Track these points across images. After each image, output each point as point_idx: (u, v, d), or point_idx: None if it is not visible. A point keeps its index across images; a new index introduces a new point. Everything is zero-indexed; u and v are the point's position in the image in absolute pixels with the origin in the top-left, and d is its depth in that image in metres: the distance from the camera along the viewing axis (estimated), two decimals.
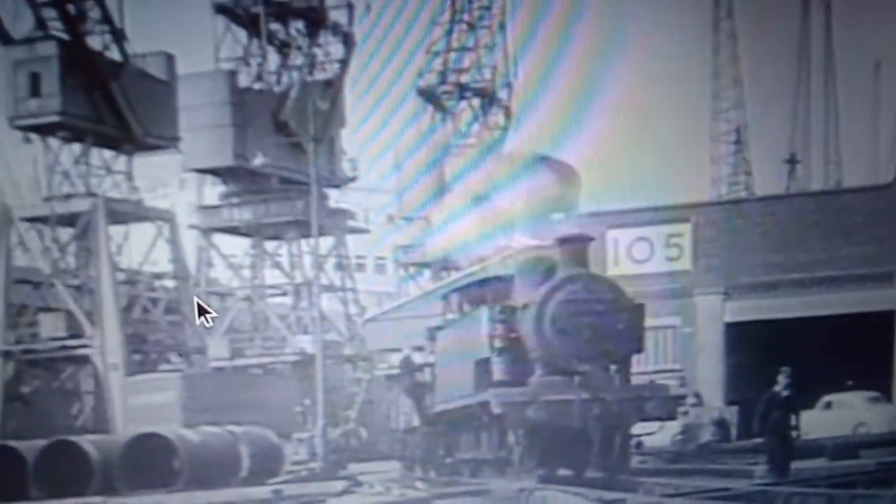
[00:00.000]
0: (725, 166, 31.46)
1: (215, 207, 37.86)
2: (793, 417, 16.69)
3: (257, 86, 39.45)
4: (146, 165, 35.40)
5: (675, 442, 23.91)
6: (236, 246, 37.70)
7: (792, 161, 29.08)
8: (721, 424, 25.08)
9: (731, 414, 25.34)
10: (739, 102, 31.19)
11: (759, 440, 19.49)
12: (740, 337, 26.13)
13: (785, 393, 16.46)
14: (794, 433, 16.77)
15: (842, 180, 28.69)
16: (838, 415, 23.87)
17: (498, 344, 17.80)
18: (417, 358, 22.96)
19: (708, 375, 25.98)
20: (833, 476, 17.08)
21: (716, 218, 27.43)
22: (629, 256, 27.10)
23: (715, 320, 26.52)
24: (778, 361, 17.82)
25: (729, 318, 26.54)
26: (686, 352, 26.27)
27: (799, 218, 26.47)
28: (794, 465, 17.72)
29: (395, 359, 25.41)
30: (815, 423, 22.38)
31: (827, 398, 24.35)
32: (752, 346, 25.05)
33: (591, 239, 18.53)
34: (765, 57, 28.12)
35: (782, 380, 16.58)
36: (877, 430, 22.34)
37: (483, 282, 20.28)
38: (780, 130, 28.88)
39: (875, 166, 27.18)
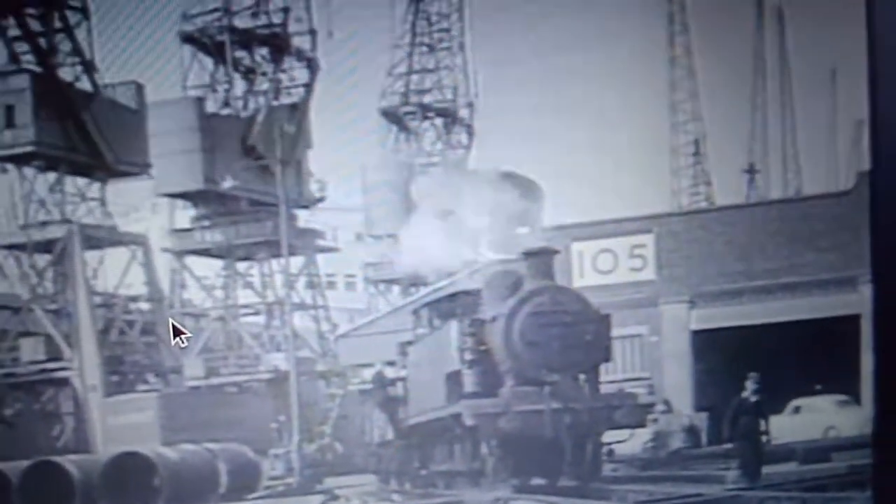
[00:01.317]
0: (685, 178, 31.23)
1: (187, 230, 37.37)
2: (762, 422, 16.42)
3: (224, 111, 38.98)
4: (119, 192, 34.83)
5: (647, 449, 23.61)
6: (209, 267, 37.21)
7: (751, 171, 28.88)
8: (691, 431, 24.77)
9: (701, 420, 25.02)
10: (697, 115, 30.98)
11: (729, 445, 19.21)
12: (707, 344, 25.86)
13: (753, 398, 16.20)
14: (764, 438, 16.50)
15: (801, 188, 28.50)
16: (808, 419, 23.61)
17: (468, 356, 17.56)
18: (389, 372, 22.65)
19: (676, 383, 25.69)
20: (805, 480, 16.79)
21: (678, 228, 27.18)
22: (594, 268, 26.84)
23: (681, 328, 26.25)
24: (745, 367, 17.54)
25: (695, 326, 26.28)
26: (654, 360, 25.99)
27: (760, 226, 26.25)
28: (766, 469, 17.43)
29: (368, 374, 25.09)
30: (784, 427, 22.12)
31: (795, 402, 24.08)
32: (720, 353, 24.83)
33: (557, 252, 18.32)
34: (720, 69, 27.92)
35: (750, 385, 16.32)
36: (847, 433, 22.07)
37: (452, 296, 20.01)
38: (739, 141, 28.66)
39: (834, 173, 26.96)
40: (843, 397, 23.97)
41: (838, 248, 24.99)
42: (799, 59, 26.75)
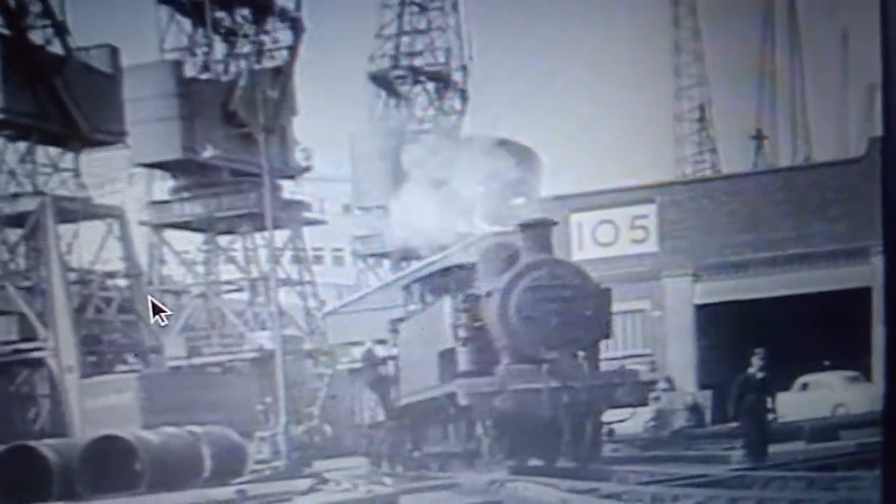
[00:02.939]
0: (690, 145, 31.45)
1: (166, 202, 37.57)
2: (768, 400, 16.69)
3: (204, 76, 39.11)
4: (93, 162, 34.97)
5: (648, 428, 23.95)
6: (189, 241, 37.45)
7: (758, 137, 29.07)
8: (694, 409, 25.11)
9: (705, 398, 25.36)
10: (702, 79, 31.16)
11: (734, 424, 19.54)
12: (711, 319, 26.14)
13: (760, 375, 16.47)
14: (770, 416, 16.78)
15: (811, 155, 28.73)
16: (816, 396, 23.94)
17: (462, 334, 17.80)
18: (380, 350, 22.93)
19: (679, 359, 26.00)
20: (812, 459, 17.10)
21: (681, 198, 27.38)
22: (594, 240, 27.10)
23: (684, 303, 26.52)
24: (751, 343, 17.81)
25: (699, 300, 26.55)
26: (656, 336, 26.29)
27: (767, 195, 26.45)
28: (772, 448, 17.71)
29: (358, 352, 25.35)
30: (791, 405, 22.42)
31: (803, 379, 24.42)
32: (724, 328, 25.09)
33: (555, 223, 18.56)
34: (727, 30, 28.15)
35: (756, 361, 16.59)
36: (856, 411, 22.33)
37: (445, 270, 20.26)
38: (746, 106, 28.89)
39: (845, 140, 27.21)
40: (852, 373, 24.28)
41: (849, 218, 25.23)
42: (809, 20, 26.97)
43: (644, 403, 18.44)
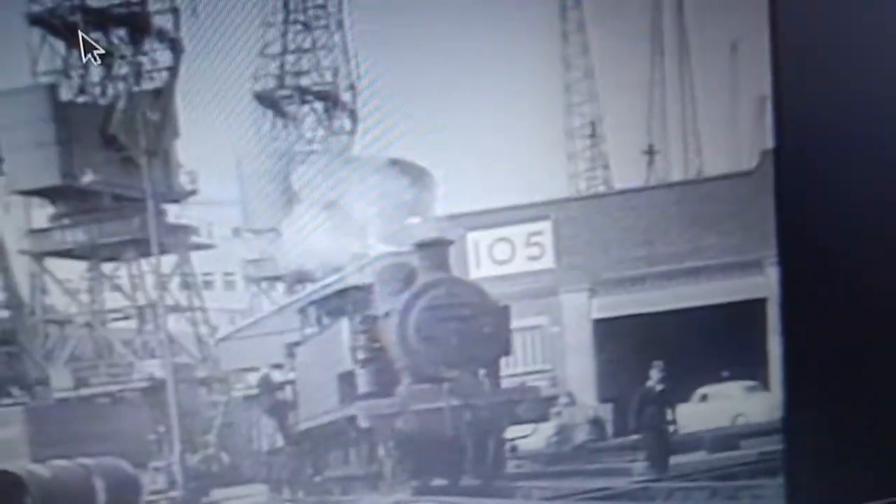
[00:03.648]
0: (582, 161, 32.08)
1: (46, 230, 37.20)
2: (668, 412, 17.40)
3: (81, 99, 38.81)
4: None
5: (551, 444, 24.54)
6: (71, 270, 37.20)
7: (650, 152, 29.77)
8: (596, 423, 25.72)
9: (606, 412, 25.98)
10: (592, 94, 31.86)
11: (635, 437, 20.22)
12: (609, 333, 26.75)
13: (659, 387, 17.21)
14: (671, 428, 17.47)
15: (703, 169, 29.52)
16: (715, 406, 24.78)
17: (361, 355, 18.35)
18: (276, 376, 23.24)
19: (579, 374, 26.58)
20: (714, 469, 17.88)
21: (576, 214, 28.01)
22: (490, 258, 27.61)
23: (582, 318, 27.14)
24: (650, 356, 18.53)
25: (596, 315, 27.14)
26: (555, 351, 26.85)
27: (661, 209, 27.16)
28: (674, 459, 18.41)
29: (253, 378, 25.61)
30: (692, 416, 23.23)
31: (702, 390, 25.21)
32: (623, 342, 25.76)
33: (451, 242, 19.18)
34: (615, 44, 28.81)
35: (655, 374, 17.34)
36: (755, 420, 23.20)
37: (341, 292, 20.76)
38: (636, 121, 29.55)
39: (737, 152, 28.02)
40: (751, 383, 25.13)
41: (743, 230, 26.04)
42: (698, 32, 27.79)
43: (546, 419, 19.14)
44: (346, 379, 18.79)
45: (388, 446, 17.69)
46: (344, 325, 19.05)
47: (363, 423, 17.74)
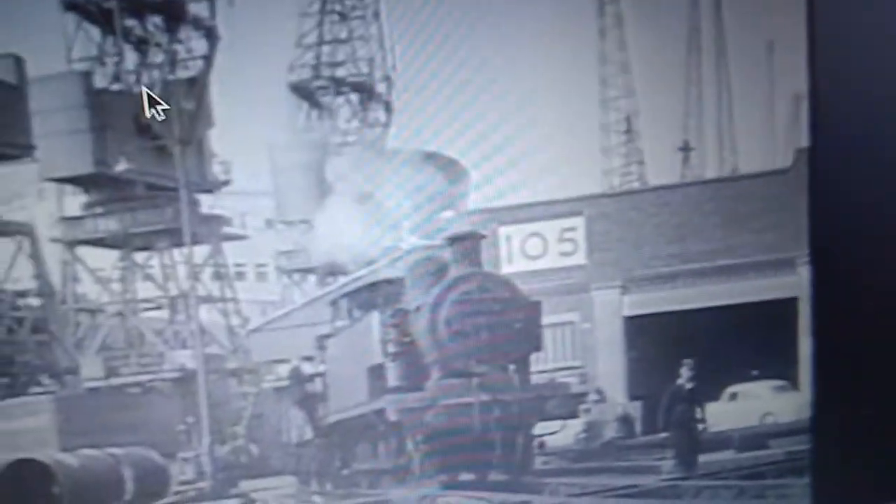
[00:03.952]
0: (617, 157, 32.27)
1: (78, 218, 37.67)
2: (698, 410, 17.61)
3: (115, 87, 39.20)
4: (0, 177, 35.12)
5: (579, 440, 24.81)
6: (104, 259, 37.63)
7: (685, 148, 29.92)
8: (625, 420, 25.99)
9: (635, 409, 26.23)
10: (629, 90, 32.04)
11: (664, 435, 20.44)
12: (640, 330, 26.98)
13: (689, 385, 17.42)
14: (700, 426, 17.68)
15: (738, 166, 29.65)
16: (744, 405, 25.02)
17: (392, 349, 18.59)
18: (307, 368, 23.55)
19: (609, 371, 26.81)
20: (742, 468, 18.11)
21: (609, 210, 28.15)
22: (522, 253, 27.84)
23: (613, 315, 27.35)
24: (680, 354, 18.74)
25: (628, 312, 27.36)
26: (586, 348, 27.06)
27: (695, 207, 27.31)
28: (702, 458, 18.63)
29: (283, 370, 25.93)
30: (720, 414, 23.47)
31: (732, 389, 25.46)
32: (653, 340, 25.99)
33: (484, 236, 19.41)
34: (653, 40, 28.98)
35: (685, 372, 17.54)
36: (784, 420, 23.42)
37: (373, 285, 21.02)
38: (672, 117, 29.72)
39: (772, 151, 28.15)
40: (780, 382, 25.35)
41: (776, 229, 26.18)
42: (735, 30, 27.95)
43: (574, 416, 19.34)
44: (376, 372, 19.07)
45: (417, 440, 17.98)
46: (375, 318, 19.31)
47: (392, 417, 18.01)
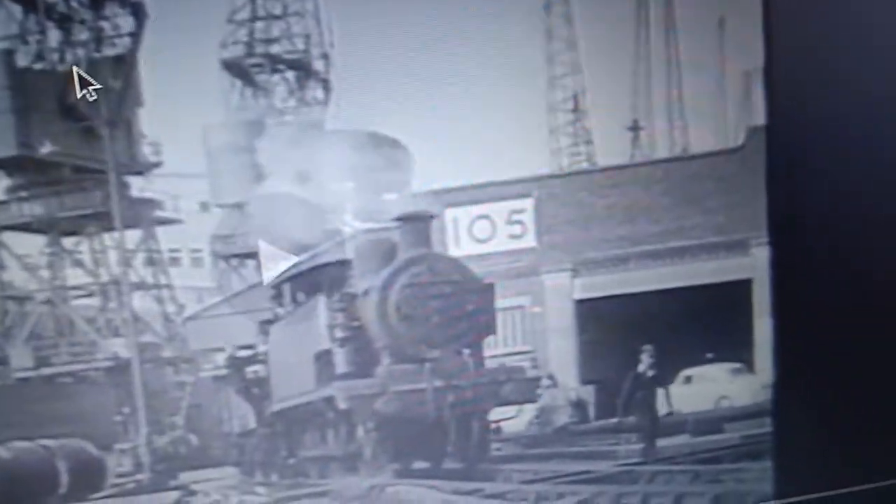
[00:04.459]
0: (564, 136, 32.31)
1: (2, 203, 37.22)
2: (661, 394, 17.77)
3: (38, 66, 38.78)
4: None
5: (532, 426, 24.93)
6: (30, 244, 37.23)
7: (635, 128, 29.98)
8: (578, 405, 26.09)
9: (588, 394, 26.39)
10: (576, 67, 32.09)
11: (616, 420, 20.57)
12: (592, 314, 27.08)
13: (650, 372, 17.56)
14: (664, 411, 17.83)
15: (688, 146, 29.80)
16: (699, 389, 25.15)
17: (339, 334, 18.57)
18: (245, 354, 23.39)
19: (560, 355, 26.85)
20: (697, 452, 18.32)
21: (558, 191, 28.26)
22: (470, 236, 27.82)
23: (564, 298, 27.43)
24: (633, 337, 18.87)
25: (578, 296, 27.49)
26: (537, 332, 27.11)
27: (645, 187, 27.45)
28: (657, 442, 18.78)
29: (221, 358, 25.80)
30: (675, 398, 23.65)
31: (686, 372, 25.52)
32: (605, 323, 26.09)
33: (433, 216, 19.40)
34: (600, 15, 29.04)
35: (646, 359, 17.66)
36: (740, 403, 23.69)
37: (318, 268, 20.94)
38: (621, 96, 29.80)
39: (723, 130, 28.36)
40: (735, 365, 25.54)
41: (728, 209, 26.40)
42: (685, 6, 28.08)
43: (532, 400, 19.45)
44: (323, 358, 19.04)
45: (368, 428, 17.98)
46: (321, 302, 19.28)
47: (342, 405, 18.00)
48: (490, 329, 18.85)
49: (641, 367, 18.28)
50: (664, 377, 18.87)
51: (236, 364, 23.90)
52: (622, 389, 18.59)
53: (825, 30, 16.10)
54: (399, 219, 19.20)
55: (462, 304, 18.40)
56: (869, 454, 15.99)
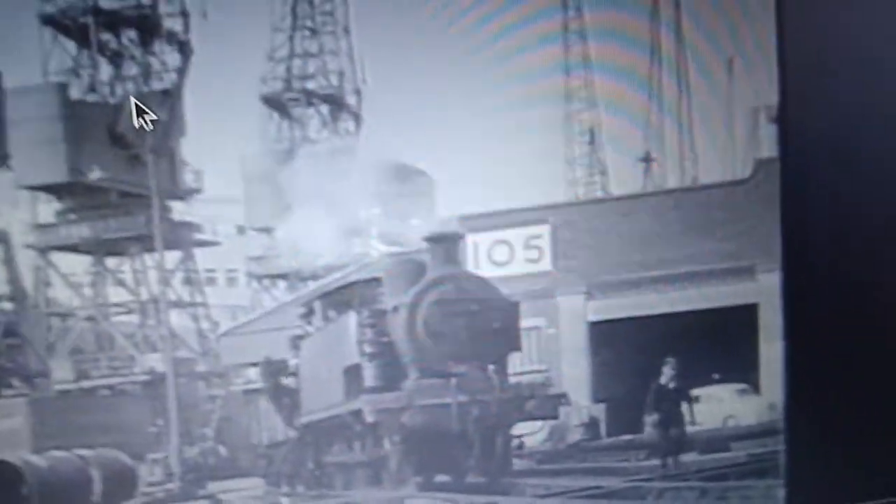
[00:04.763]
0: (580, 167, 31.63)
1: (52, 225, 36.62)
2: (686, 408, 16.86)
3: (90, 98, 38.20)
4: None
5: (545, 442, 24.12)
6: (76, 264, 36.52)
7: (647, 159, 29.41)
8: (590, 423, 25.35)
9: (599, 412, 25.63)
10: (592, 102, 31.39)
11: (628, 437, 19.67)
12: (604, 335, 26.41)
13: (672, 384, 16.66)
14: (689, 424, 16.98)
15: (698, 177, 29.13)
16: (707, 408, 24.39)
17: (368, 349, 17.64)
18: (277, 358, 22.51)
19: (574, 375, 26.14)
20: (705, 469, 17.39)
21: (574, 219, 27.66)
22: (490, 260, 27.18)
23: (578, 320, 26.76)
24: (644, 358, 17.96)
25: (592, 318, 26.79)
26: (551, 352, 26.43)
27: (657, 216, 26.84)
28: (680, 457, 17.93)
29: (253, 374, 24.96)
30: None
31: (695, 392, 24.88)
32: (617, 345, 25.41)
33: (462, 236, 18.50)
34: (616, 55, 28.33)
35: (668, 371, 16.75)
36: (745, 422, 23.04)
37: (349, 286, 20.05)
38: (634, 129, 29.14)
39: (731, 161, 27.64)
40: (741, 386, 24.88)
41: (736, 237, 25.73)
42: (695, 46, 27.36)
43: (556, 416, 18.49)
44: (353, 372, 18.06)
45: (394, 441, 16.98)
46: (351, 318, 18.29)
47: (369, 418, 17.01)
48: (515, 346, 17.87)
49: (664, 379, 17.34)
50: (686, 389, 18.02)
51: (269, 368, 22.84)
52: (646, 400, 17.69)
53: (838, 66, 15.23)
54: (429, 239, 18.21)
55: (488, 322, 17.40)
56: (878, 471, 15.06)
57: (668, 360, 17.29)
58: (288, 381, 21.75)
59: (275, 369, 22.25)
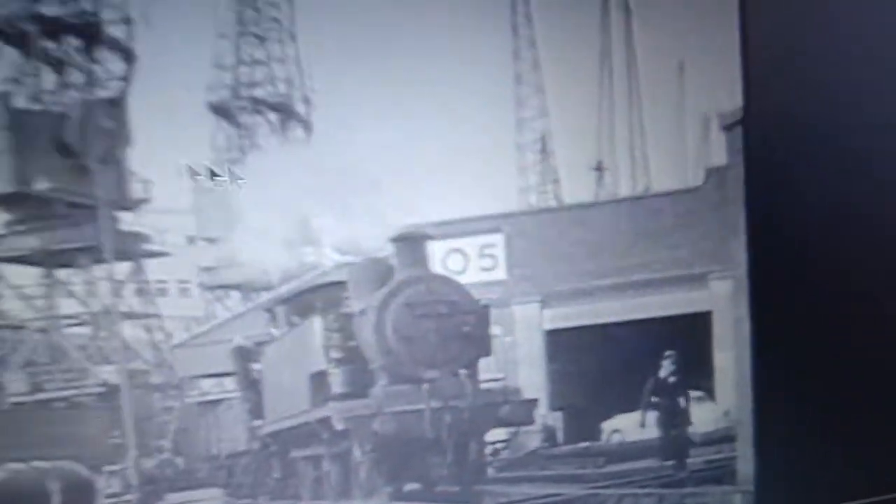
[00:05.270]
0: (533, 175, 31.39)
1: (0, 237, 35.77)
2: (682, 404, 16.61)
3: (35, 107, 37.42)
4: None
5: (504, 450, 23.86)
6: (26, 276, 35.69)
7: (599, 168, 29.24)
8: (547, 431, 25.12)
9: (556, 420, 25.40)
10: (543, 110, 31.16)
11: (584, 445, 19.46)
12: (560, 344, 26.24)
13: (671, 379, 16.39)
14: (686, 423, 16.79)
15: (650, 185, 29.00)
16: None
17: (335, 354, 17.27)
18: (248, 343, 21.98)
19: (531, 383, 25.88)
20: (662, 476, 17.27)
21: (527, 227, 27.55)
22: (445, 268, 26.83)
23: (533, 328, 26.57)
24: (600, 366, 17.77)
25: (548, 326, 26.60)
26: (508, 361, 26.16)
27: (610, 224, 26.77)
28: (624, 466, 17.77)
29: (207, 385, 24.48)
30: (640, 424, 22.63)
31: (652, 399, 24.71)
32: (573, 353, 25.26)
33: (430, 237, 18.17)
34: (566, 62, 28.12)
35: (667, 365, 16.50)
36: (702, 430, 22.89)
37: (314, 289, 19.64)
38: (586, 138, 28.94)
39: (683, 169, 27.53)
40: (698, 393, 24.69)
41: (689, 244, 25.70)
42: (646, 51, 27.21)
43: (531, 422, 18.22)
44: (319, 379, 17.63)
45: (365, 449, 16.56)
46: (316, 322, 17.86)
47: (338, 425, 16.60)
48: (486, 350, 17.54)
49: (662, 373, 17.08)
50: (684, 383, 17.80)
51: (241, 355, 22.22)
52: (642, 394, 17.46)
53: (803, 68, 15.15)
54: (396, 239, 17.81)
55: (459, 326, 17.06)
56: (847, 474, 14.98)
57: (668, 354, 17.04)
58: (259, 367, 21.25)
59: (246, 354, 21.74)
